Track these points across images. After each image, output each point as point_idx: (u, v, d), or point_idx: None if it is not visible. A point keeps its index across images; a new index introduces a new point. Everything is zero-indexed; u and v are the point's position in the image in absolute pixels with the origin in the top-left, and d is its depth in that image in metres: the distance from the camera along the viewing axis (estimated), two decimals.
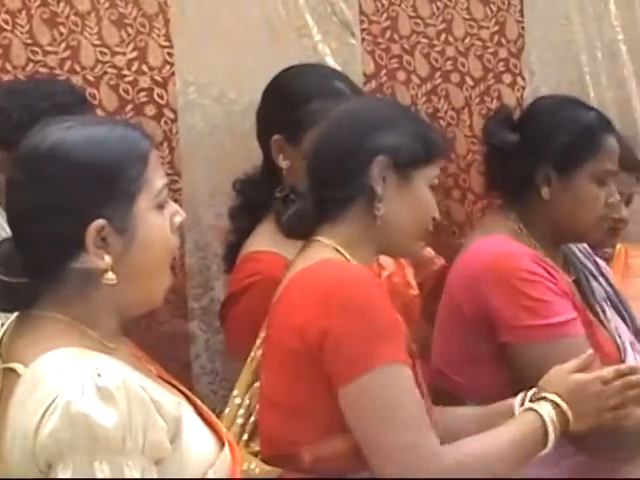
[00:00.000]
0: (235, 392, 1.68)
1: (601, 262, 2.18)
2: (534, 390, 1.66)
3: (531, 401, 1.66)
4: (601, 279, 2.11)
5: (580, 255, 2.11)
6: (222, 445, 1.24)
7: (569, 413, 1.59)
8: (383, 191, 1.58)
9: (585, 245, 2.14)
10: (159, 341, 2.08)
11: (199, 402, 1.29)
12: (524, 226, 1.99)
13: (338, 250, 1.58)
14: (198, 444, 1.20)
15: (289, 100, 1.90)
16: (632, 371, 1.67)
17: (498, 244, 1.94)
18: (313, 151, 1.66)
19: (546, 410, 1.56)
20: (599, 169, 1.95)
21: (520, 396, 1.68)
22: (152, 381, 1.18)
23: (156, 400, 1.11)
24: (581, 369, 1.65)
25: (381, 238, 1.64)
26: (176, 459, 1.15)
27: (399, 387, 1.51)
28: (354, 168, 1.59)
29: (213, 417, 1.29)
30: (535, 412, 1.56)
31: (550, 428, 1.54)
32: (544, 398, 1.62)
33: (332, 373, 1.48)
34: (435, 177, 1.69)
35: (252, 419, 1.63)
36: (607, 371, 1.65)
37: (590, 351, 1.68)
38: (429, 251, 2.19)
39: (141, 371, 1.19)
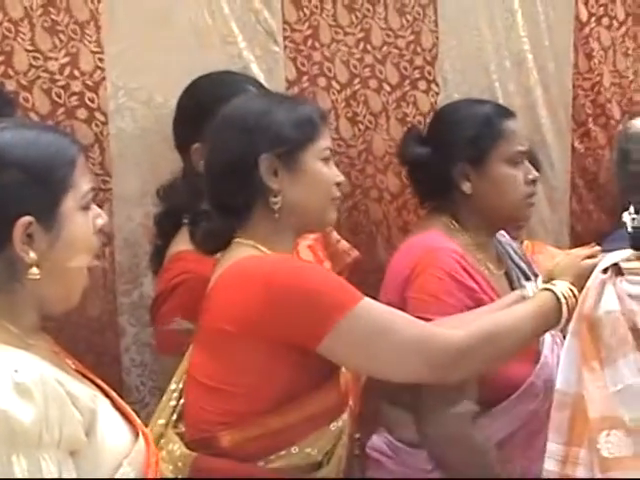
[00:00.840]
0: (173, 379, 1.72)
1: (530, 263, 2.23)
2: (540, 277, 1.80)
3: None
4: (534, 278, 2.16)
5: (515, 257, 2.17)
6: (137, 436, 1.27)
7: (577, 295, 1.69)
8: (279, 184, 1.61)
9: (519, 249, 2.21)
10: (90, 335, 2.11)
11: (115, 395, 1.32)
12: (457, 223, 2.05)
13: (258, 247, 1.61)
14: (113, 435, 1.22)
15: (203, 108, 1.90)
16: None
17: (427, 240, 2.00)
18: (206, 165, 1.68)
19: (560, 289, 1.67)
20: (509, 152, 2.01)
21: (530, 282, 1.83)
22: (69, 375, 1.20)
23: (72, 394, 1.13)
24: (589, 256, 1.74)
25: (294, 224, 1.68)
26: (91, 450, 1.17)
27: (380, 311, 1.59)
28: (244, 173, 1.61)
29: (128, 409, 1.32)
30: (550, 291, 1.67)
31: (564, 307, 1.65)
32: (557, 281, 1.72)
33: (297, 341, 1.52)
34: (325, 149, 1.70)
35: (182, 401, 1.67)
36: None
37: (595, 246, 1.77)
38: (344, 244, 2.25)
39: (59, 366, 1.20)
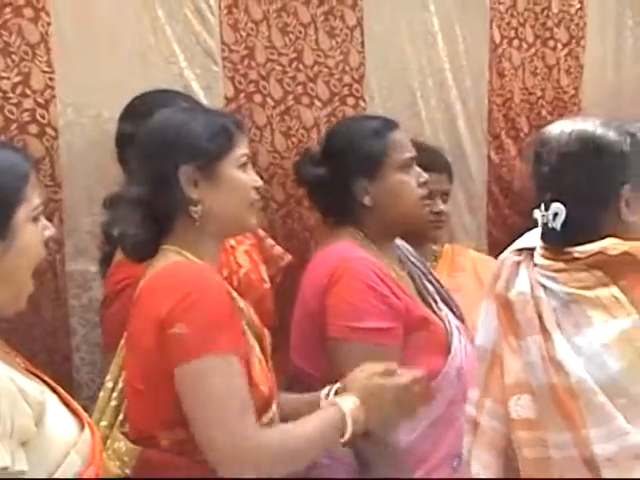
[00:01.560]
0: (107, 377, 1.74)
1: (427, 265, 2.30)
2: (338, 385, 1.73)
3: (337, 393, 1.72)
4: (430, 277, 2.25)
5: (413, 259, 2.23)
6: (83, 428, 1.31)
7: (363, 412, 1.64)
8: (199, 194, 1.62)
9: (414, 253, 2.25)
10: (43, 335, 2.17)
11: (61, 390, 1.36)
12: (361, 232, 2.08)
13: (182, 253, 1.62)
14: (61, 427, 1.26)
15: (138, 124, 1.91)
16: (422, 379, 1.74)
17: (341, 250, 2.05)
18: (131, 178, 1.70)
19: (347, 406, 1.62)
20: (400, 160, 2.05)
21: (327, 389, 1.75)
22: (19, 373, 1.25)
23: (23, 389, 1.18)
24: (385, 374, 1.71)
25: (216, 230, 1.68)
26: (41, 440, 1.21)
27: (227, 375, 1.54)
28: (166, 185, 1.62)
29: (75, 404, 1.36)
30: (337, 406, 1.62)
31: (349, 421, 1.60)
32: (345, 396, 1.67)
33: (171, 359, 1.52)
34: (242, 156, 1.70)
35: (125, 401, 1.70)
36: (405, 378, 1.70)
37: (394, 364, 1.72)
38: (278, 249, 2.33)
39: (10, 364, 1.24)
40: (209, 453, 1.53)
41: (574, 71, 3.03)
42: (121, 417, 1.68)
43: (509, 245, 2.45)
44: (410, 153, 2.09)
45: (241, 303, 1.70)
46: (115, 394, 1.71)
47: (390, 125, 2.11)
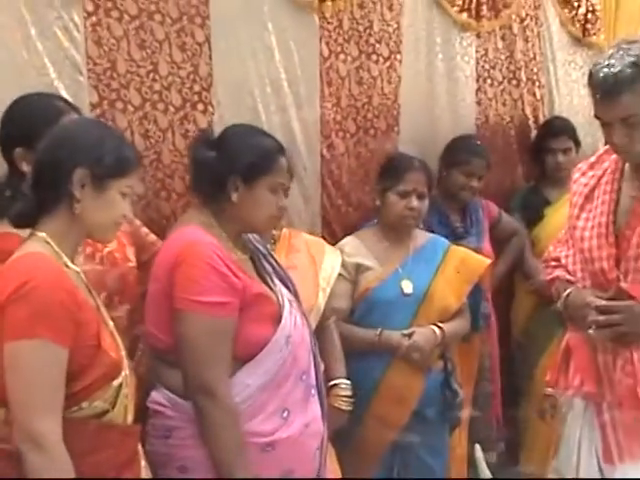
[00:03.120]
0: None
1: (267, 247, 2.41)
2: None
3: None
4: (269, 258, 2.37)
5: (254, 242, 2.35)
6: None
7: None
8: (81, 195, 1.75)
9: (256, 237, 2.35)
10: None
11: None
12: (216, 220, 2.17)
13: (48, 242, 1.75)
14: None
15: (22, 120, 2.05)
16: None
17: (188, 233, 2.13)
18: (35, 159, 1.81)
19: None
20: (274, 183, 2.19)
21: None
22: None
23: None
24: None
25: (83, 230, 1.81)
26: None
27: (41, 363, 1.66)
28: (61, 175, 1.75)
29: None
30: None
31: None
32: None
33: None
34: (128, 187, 1.84)
35: None
36: None
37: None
38: (152, 236, 2.46)
39: None
40: (14, 431, 1.66)
41: (394, 81, 3.33)
42: None
43: (341, 230, 2.77)
44: (284, 181, 2.23)
45: (87, 289, 1.86)
46: None
47: (280, 150, 2.24)
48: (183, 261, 2.06)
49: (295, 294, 2.36)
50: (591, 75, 2.21)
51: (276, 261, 2.39)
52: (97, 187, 1.80)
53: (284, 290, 2.29)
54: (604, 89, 2.15)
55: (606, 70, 2.15)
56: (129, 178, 1.85)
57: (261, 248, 2.36)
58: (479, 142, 3.50)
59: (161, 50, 2.67)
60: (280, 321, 2.17)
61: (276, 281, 2.30)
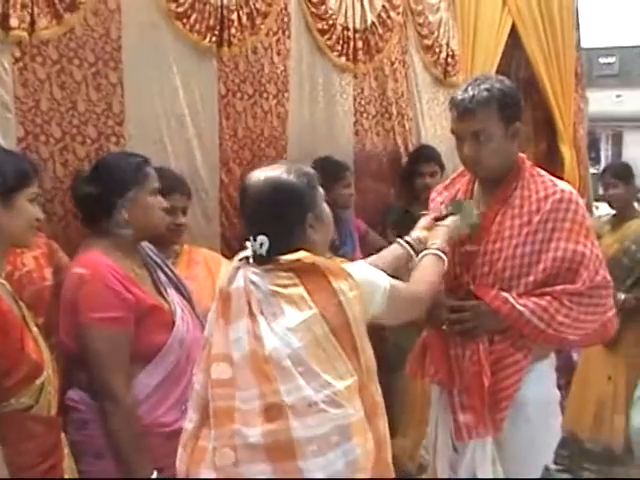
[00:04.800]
0: None
1: (163, 259, 2.54)
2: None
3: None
4: (164, 268, 2.51)
5: (153, 255, 2.49)
6: None
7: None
8: None
9: (154, 251, 2.50)
10: None
11: None
12: (111, 242, 2.32)
13: None
14: None
15: None
16: None
17: (89, 257, 2.28)
18: None
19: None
20: (150, 188, 2.35)
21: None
22: None
23: None
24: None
25: (4, 241, 1.95)
26: None
27: None
28: None
29: None
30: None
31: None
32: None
33: None
34: (33, 193, 1.99)
35: None
36: None
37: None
38: (66, 259, 2.51)
39: None
40: None
41: (282, 115, 3.59)
42: None
43: (239, 246, 2.86)
44: (157, 184, 2.40)
45: (13, 299, 2.00)
46: None
47: (146, 161, 2.41)
48: (84, 282, 2.22)
49: (189, 300, 2.51)
50: (452, 99, 2.50)
51: (171, 271, 2.53)
52: (6, 202, 1.94)
53: (177, 298, 2.44)
54: (462, 105, 2.42)
55: (464, 93, 2.44)
56: (32, 186, 2.00)
57: (157, 260, 2.49)
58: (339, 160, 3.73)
59: (79, 90, 2.83)
60: (173, 326, 2.34)
61: (170, 290, 2.44)
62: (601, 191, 4.61)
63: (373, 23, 3.97)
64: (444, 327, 2.52)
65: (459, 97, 2.45)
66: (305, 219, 1.88)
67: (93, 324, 2.22)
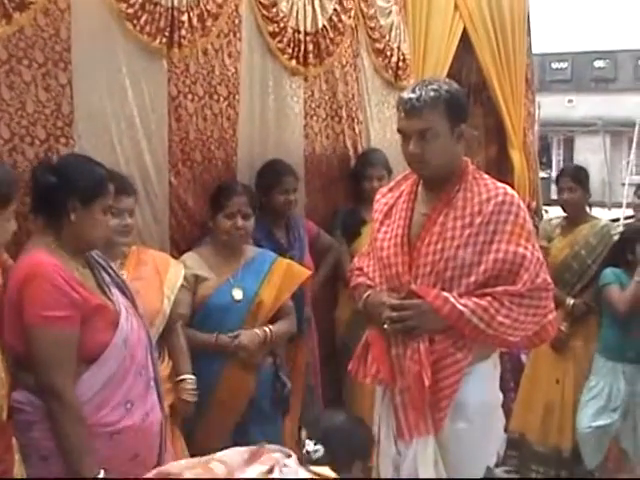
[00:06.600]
0: None
1: (106, 260, 2.54)
2: None
3: None
4: (108, 269, 2.52)
5: (96, 257, 2.51)
6: None
7: None
8: None
9: (98, 252, 2.51)
10: None
11: None
12: (58, 242, 2.32)
13: None
14: None
15: None
16: None
17: (33, 256, 2.29)
18: None
19: None
20: (105, 205, 2.38)
21: None
22: None
23: None
24: None
25: None
26: None
27: None
28: None
29: None
30: None
31: None
32: None
33: None
34: (12, 210, 2.10)
35: None
36: None
37: None
38: (11, 262, 2.46)
39: None
40: None
41: (232, 117, 3.62)
42: None
43: (186, 246, 2.88)
44: (111, 201, 2.42)
45: None
46: None
47: (109, 174, 2.44)
48: (29, 281, 2.23)
49: (132, 300, 2.53)
50: (400, 98, 2.55)
51: (114, 272, 2.55)
52: None
53: (121, 298, 2.46)
54: (410, 104, 2.48)
55: (412, 93, 2.50)
56: (13, 203, 2.14)
57: (101, 261, 2.51)
58: (284, 161, 3.80)
59: (28, 90, 2.84)
60: (117, 326, 2.36)
61: (114, 290, 2.46)
62: (554, 195, 4.72)
63: (324, 26, 4.03)
64: (385, 326, 2.57)
65: (406, 96, 2.51)
66: None
67: (39, 323, 2.23)
